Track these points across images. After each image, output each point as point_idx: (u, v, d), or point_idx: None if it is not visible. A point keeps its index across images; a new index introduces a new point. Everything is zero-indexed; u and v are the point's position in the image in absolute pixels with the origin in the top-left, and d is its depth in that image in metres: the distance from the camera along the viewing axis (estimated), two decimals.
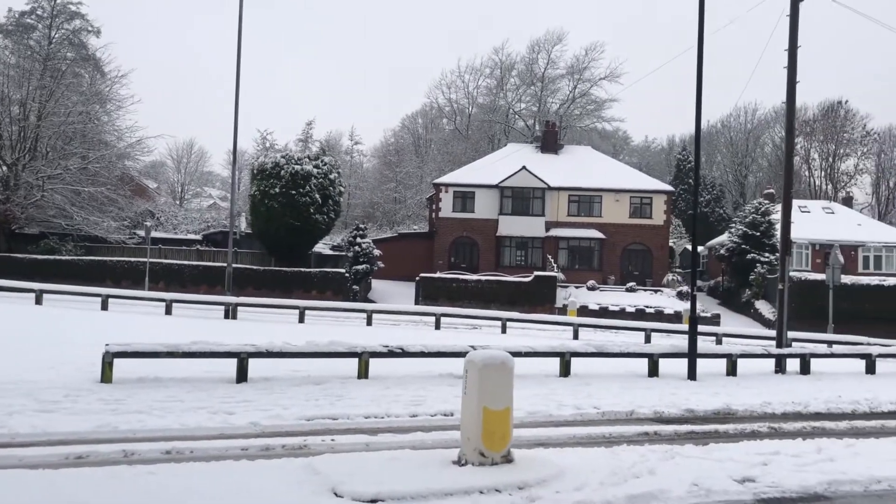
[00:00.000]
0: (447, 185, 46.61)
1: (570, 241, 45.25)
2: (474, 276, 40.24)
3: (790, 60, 18.79)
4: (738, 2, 29.60)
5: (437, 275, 40.76)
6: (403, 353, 13.64)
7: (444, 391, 11.94)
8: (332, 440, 8.49)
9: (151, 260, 35.11)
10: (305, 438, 8.50)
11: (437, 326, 26.25)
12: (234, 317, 25.45)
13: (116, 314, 23.98)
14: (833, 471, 7.84)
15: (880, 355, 19.38)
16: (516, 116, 74.06)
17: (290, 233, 37.95)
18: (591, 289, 40.85)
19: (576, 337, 24.97)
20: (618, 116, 77.18)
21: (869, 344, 22.26)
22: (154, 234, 39.31)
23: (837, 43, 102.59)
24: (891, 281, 35.74)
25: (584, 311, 35.25)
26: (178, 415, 9.25)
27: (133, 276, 36.47)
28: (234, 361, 12.10)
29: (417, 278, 39.66)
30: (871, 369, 18.74)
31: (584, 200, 46.00)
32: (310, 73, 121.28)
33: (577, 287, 40.97)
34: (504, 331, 26.22)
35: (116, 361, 11.38)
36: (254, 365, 12.31)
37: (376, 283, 43.11)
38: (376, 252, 41.33)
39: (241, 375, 12.02)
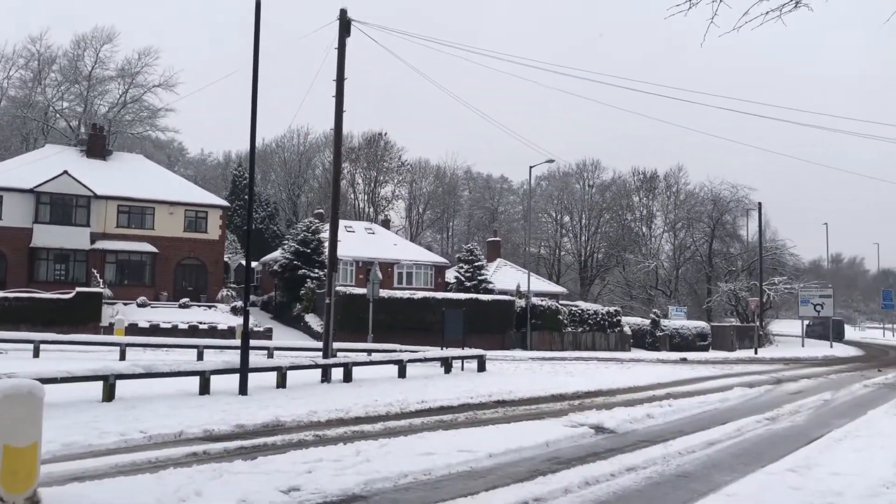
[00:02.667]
0: None
1: (119, 255, 42.25)
2: (1, 293, 35.09)
3: (338, 90, 20.26)
4: (299, 25, 30.83)
5: None
6: None
7: None
8: None
9: None
10: None
11: None
12: None
13: None
14: (369, 471, 8.55)
15: (410, 360, 21.82)
16: (57, 115, 66.94)
17: None
18: (142, 305, 38.69)
19: (123, 357, 23.32)
20: (173, 126, 74.56)
21: (401, 351, 24.93)
22: None
23: (380, 77, 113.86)
24: (419, 294, 40.62)
25: (133, 329, 33.26)
26: None
27: None
28: None
29: None
30: (402, 374, 20.98)
31: (136, 212, 43.45)
32: None
33: (126, 304, 38.38)
34: (37, 354, 23.34)
35: None
36: None
37: None
38: None
39: None
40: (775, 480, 8.86)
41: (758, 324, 52.23)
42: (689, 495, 8.35)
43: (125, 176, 44.82)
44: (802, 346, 53.99)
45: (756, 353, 45.46)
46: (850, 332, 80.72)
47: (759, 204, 55.90)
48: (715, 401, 17.57)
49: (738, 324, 56.00)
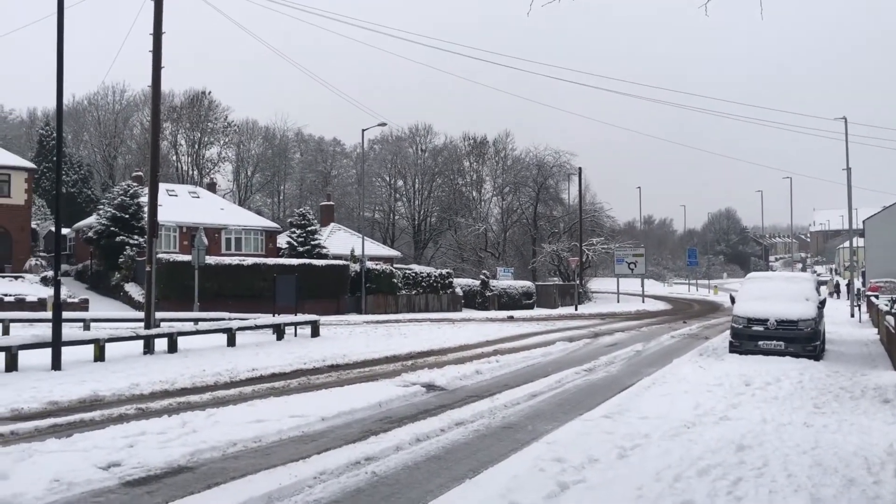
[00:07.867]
0: None
1: None
2: None
3: (155, 44, 19.08)
4: None
5: None
6: None
7: None
8: None
9: None
10: None
11: None
12: None
13: None
14: (195, 441, 8.29)
15: (239, 328, 21.24)
16: None
17: None
18: None
19: None
20: None
21: (230, 319, 24.19)
22: None
23: (202, 34, 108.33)
24: (249, 261, 39.49)
25: None
26: None
27: None
28: None
29: None
30: (232, 342, 20.39)
31: None
32: None
33: None
34: None
35: None
36: None
37: None
38: None
39: None
40: (591, 426, 9.50)
41: (578, 282, 55.37)
42: (513, 445, 8.79)
43: None
44: (618, 301, 57.89)
45: (576, 309, 48.26)
46: (660, 288, 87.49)
47: (580, 169, 58.94)
48: (538, 355, 18.52)
49: (561, 282, 59.04)
